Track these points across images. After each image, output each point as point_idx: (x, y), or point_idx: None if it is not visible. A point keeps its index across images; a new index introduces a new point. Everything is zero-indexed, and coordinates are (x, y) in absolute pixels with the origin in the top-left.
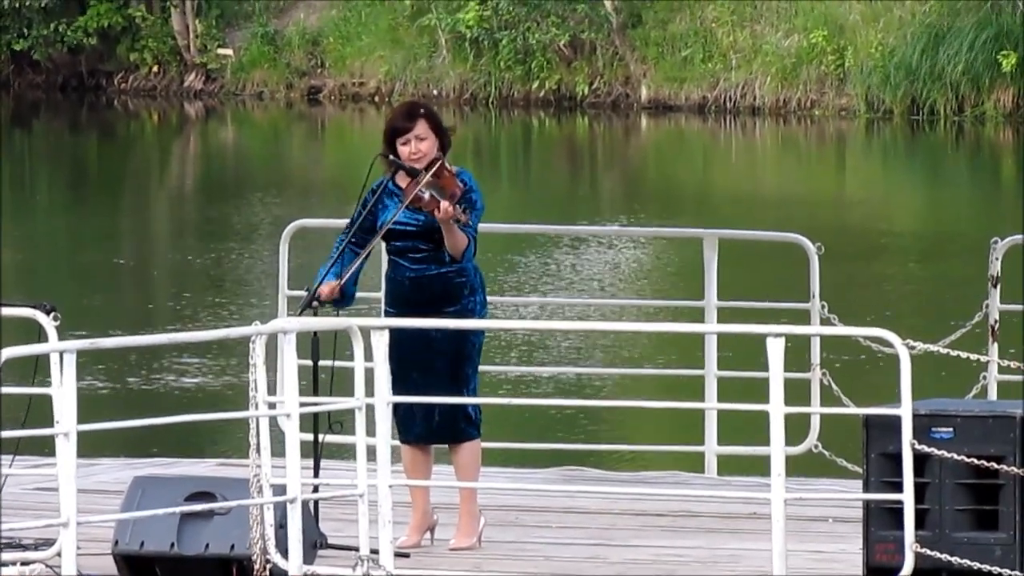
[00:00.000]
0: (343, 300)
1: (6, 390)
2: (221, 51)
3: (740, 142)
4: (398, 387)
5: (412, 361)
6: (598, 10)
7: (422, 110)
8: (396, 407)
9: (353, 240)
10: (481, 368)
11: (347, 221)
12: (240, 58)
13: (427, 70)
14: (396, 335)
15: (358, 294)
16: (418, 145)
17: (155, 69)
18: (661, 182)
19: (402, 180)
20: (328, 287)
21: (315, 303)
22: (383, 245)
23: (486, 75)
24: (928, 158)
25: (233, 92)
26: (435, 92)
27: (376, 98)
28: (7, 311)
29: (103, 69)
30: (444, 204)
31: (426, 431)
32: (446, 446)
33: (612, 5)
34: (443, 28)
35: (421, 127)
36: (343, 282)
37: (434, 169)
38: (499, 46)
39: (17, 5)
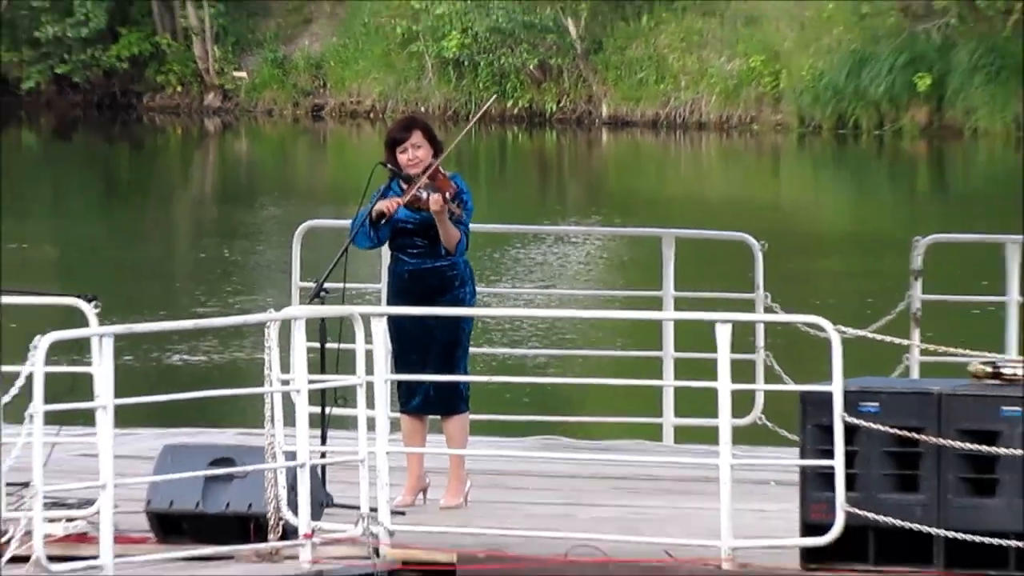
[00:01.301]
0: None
1: (52, 369)
2: (236, 74)
3: (688, 153)
4: (399, 366)
5: (411, 344)
6: (564, 38)
7: (417, 123)
8: (398, 383)
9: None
10: (471, 350)
11: (350, 221)
12: (253, 80)
13: (415, 90)
14: (397, 321)
15: (363, 285)
16: (415, 152)
17: (179, 89)
18: (619, 188)
19: (403, 185)
20: (392, 202)
21: (322, 293)
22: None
23: (467, 94)
24: (853, 167)
25: (246, 109)
26: (422, 109)
27: (371, 115)
28: (54, 300)
29: (134, 89)
30: (435, 196)
31: (422, 404)
32: (439, 417)
33: (577, 33)
34: (429, 54)
35: (416, 137)
36: (395, 209)
37: (429, 172)
38: (478, 69)
39: (59, 34)
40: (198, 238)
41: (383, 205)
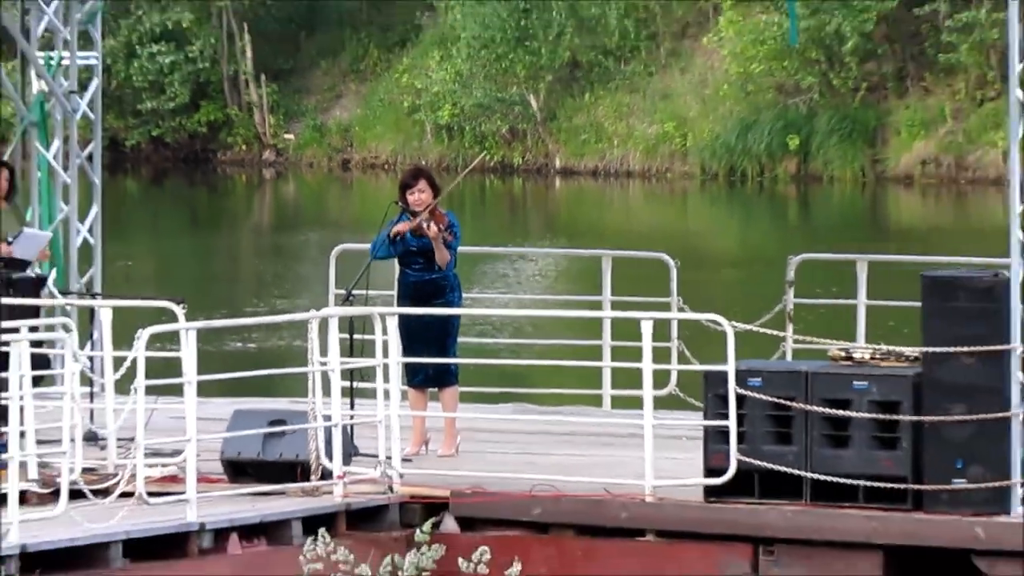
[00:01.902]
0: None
1: (151, 354)
2: (286, 136)
3: (619, 196)
4: (407, 352)
5: (414, 335)
6: (528, 110)
7: (422, 173)
8: (406, 364)
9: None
10: (459, 339)
11: (369, 245)
12: (298, 140)
13: (418, 148)
14: (404, 319)
15: (381, 292)
16: (419, 195)
17: (244, 148)
18: (568, 220)
19: (410, 218)
20: (405, 225)
21: (351, 298)
22: (395, 259)
23: (455, 151)
24: (740, 205)
25: (293, 163)
26: (423, 162)
27: (386, 166)
28: (153, 303)
29: (210, 148)
30: (434, 228)
31: (424, 380)
32: (436, 390)
33: (537, 106)
34: (428, 121)
35: (421, 184)
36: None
37: (429, 207)
38: (464, 133)
39: (155, 107)
40: (257, 256)
41: (399, 227)
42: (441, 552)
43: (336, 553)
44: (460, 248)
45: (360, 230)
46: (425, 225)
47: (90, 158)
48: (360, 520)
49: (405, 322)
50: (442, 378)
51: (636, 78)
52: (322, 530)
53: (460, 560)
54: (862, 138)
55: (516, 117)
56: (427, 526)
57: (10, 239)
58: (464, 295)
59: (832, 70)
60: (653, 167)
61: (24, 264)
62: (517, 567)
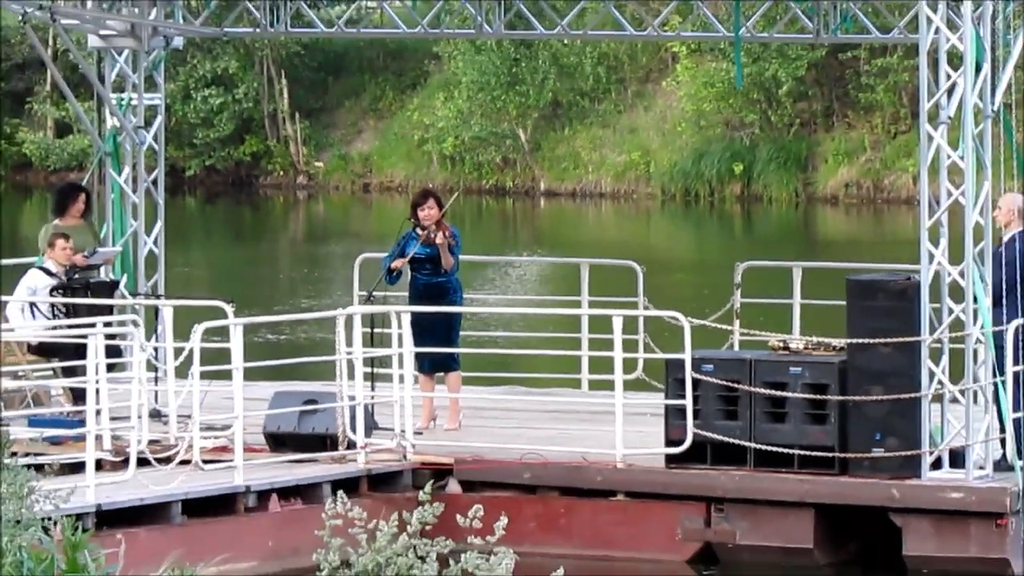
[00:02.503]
0: (397, 277)
1: (206, 344)
2: (316, 164)
3: (594, 213)
4: (417, 343)
5: (424, 329)
6: (517, 141)
7: (430, 193)
8: (417, 353)
9: (391, 256)
10: (462, 333)
11: (389, 251)
12: (326, 167)
13: (426, 174)
14: (416, 316)
15: (397, 293)
16: (428, 211)
17: (281, 174)
18: (552, 235)
19: (420, 230)
20: (399, 262)
21: (372, 297)
22: (407, 266)
23: (458, 176)
24: (694, 221)
25: (322, 186)
26: (430, 186)
27: (400, 190)
28: (205, 302)
29: (253, 173)
30: (440, 236)
31: (431, 366)
32: (443, 374)
33: (525, 139)
34: (435, 152)
35: (430, 202)
36: (401, 265)
37: (436, 220)
38: (465, 161)
39: (207, 139)
40: (292, 263)
41: (396, 264)
42: (441, 509)
43: (352, 511)
44: (461, 256)
45: (378, 242)
46: (433, 236)
47: (155, 182)
48: (379, 483)
49: (416, 318)
50: (447, 364)
51: (608, 115)
52: (340, 492)
53: (458, 516)
54: (796, 165)
55: (508, 148)
56: (428, 487)
57: (86, 254)
58: (465, 295)
59: (771, 108)
60: (622, 190)
61: (94, 268)
62: (504, 521)
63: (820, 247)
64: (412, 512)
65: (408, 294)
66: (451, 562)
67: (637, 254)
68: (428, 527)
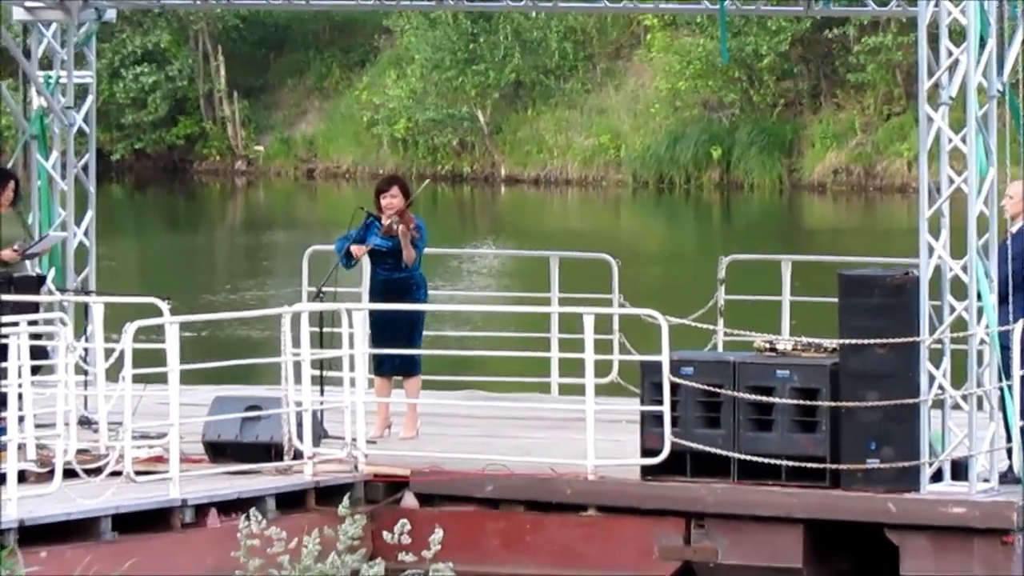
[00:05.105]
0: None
1: (139, 345)
2: (256, 148)
3: (559, 202)
4: (375, 343)
5: (382, 328)
6: (476, 124)
7: (396, 180)
8: (375, 354)
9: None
10: (424, 332)
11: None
12: (267, 151)
13: (376, 159)
14: (375, 315)
15: (348, 289)
16: (392, 200)
17: (217, 158)
18: (514, 225)
19: (384, 221)
20: (361, 248)
21: (320, 295)
22: (367, 258)
23: (410, 161)
24: (669, 210)
25: (263, 172)
26: (381, 171)
27: (347, 176)
28: (139, 299)
29: (187, 158)
30: (400, 227)
31: (390, 368)
32: (401, 378)
33: (484, 120)
34: (385, 134)
35: (394, 190)
36: (362, 253)
37: (399, 211)
38: (418, 144)
39: (137, 121)
40: (231, 255)
41: (355, 250)
42: (363, 522)
43: (270, 531)
44: (426, 249)
45: (325, 232)
46: (396, 227)
47: (85, 168)
48: (328, 496)
49: (375, 316)
50: (408, 368)
51: (574, 95)
52: (253, 510)
53: (385, 533)
54: (779, 149)
55: (465, 131)
56: (346, 501)
57: (16, 247)
58: (433, 292)
59: (752, 87)
60: (590, 176)
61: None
62: (439, 534)
63: (806, 239)
64: (360, 527)
65: (369, 289)
66: None
67: (607, 246)
68: (356, 542)
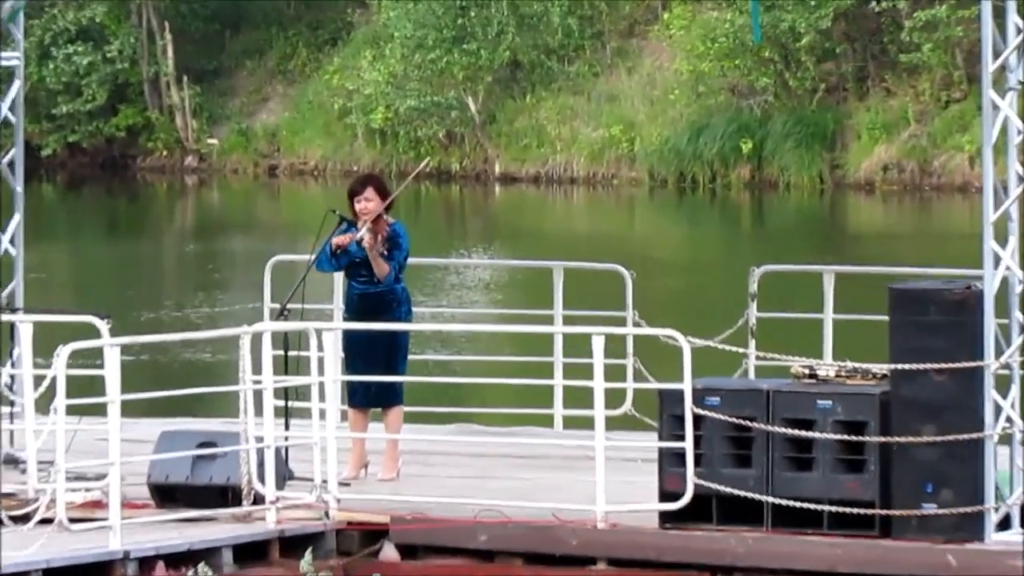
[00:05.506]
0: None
1: (73, 372)
2: (210, 141)
3: (563, 203)
4: (349, 369)
5: (357, 351)
6: (466, 112)
7: (372, 180)
8: (348, 382)
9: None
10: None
11: (313, 255)
12: (222, 145)
13: (349, 153)
14: (347, 333)
15: (317, 305)
16: (366, 204)
17: (165, 153)
18: (508, 229)
19: (360, 226)
20: (345, 237)
21: (285, 313)
22: (342, 271)
23: (389, 156)
24: (691, 213)
25: (217, 169)
26: (355, 168)
27: (315, 173)
28: (76, 318)
29: (130, 153)
30: (368, 238)
31: (366, 399)
32: (380, 410)
33: (475, 108)
34: (360, 125)
35: (369, 192)
36: (348, 241)
37: (373, 216)
38: (398, 137)
39: (71, 111)
40: (181, 266)
41: (338, 240)
42: None
43: None
44: (410, 259)
45: (289, 238)
46: (366, 236)
47: (11, 165)
48: (295, 548)
49: (347, 337)
50: (387, 398)
51: (580, 79)
52: (202, 564)
53: None
54: (820, 142)
55: (453, 121)
56: (308, 556)
57: None
58: (419, 309)
59: (788, 70)
60: (599, 173)
61: None
62: None
63: (851, 246)
64: None
65: (344, 305)
66: None
67: (619, 255)
68: None
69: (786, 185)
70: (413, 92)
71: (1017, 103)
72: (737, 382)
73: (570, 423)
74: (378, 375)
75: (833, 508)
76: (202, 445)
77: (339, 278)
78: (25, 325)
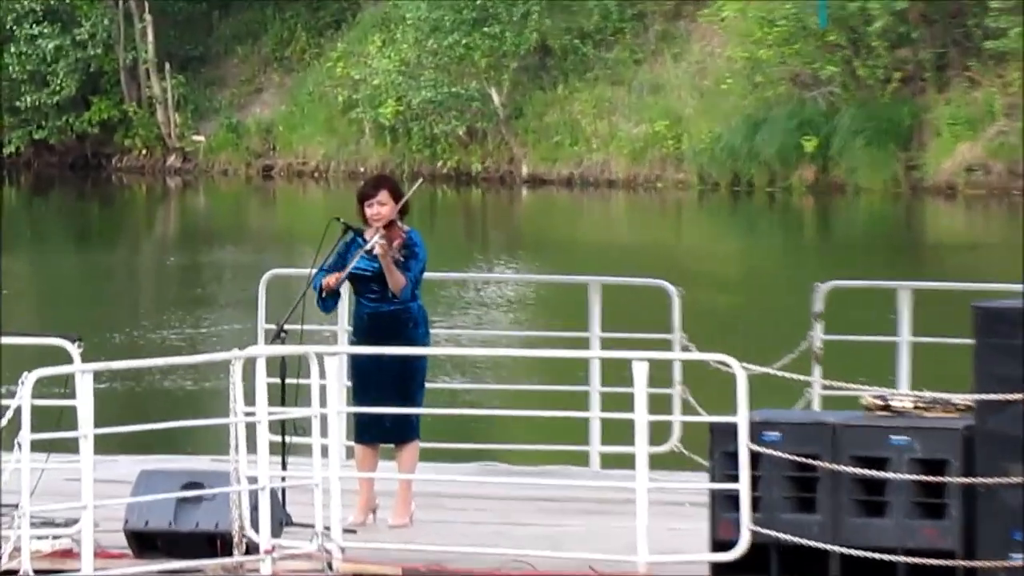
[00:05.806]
0: (334, 300)
1: (39, 402)
2: (195, 138)
3: (600, 208)
4: (358, 399)
5: (367, 379)
6: (488, 106)
7: (385, 182)
8: (355, 414)
9: (326, 271)
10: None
11: (315, 269)
12: (209, 143)
13: (355, 152)
14: (354, 359)
15: (320, 326)
16: (379, 208)
17: (144, 152)
18: (536, 238)
19: (368, 235)
20: (335, 277)
21: (282, 335)
22: (349, 287)
23: (401, 156)
24: (746, 220)
25: (204, 170)
26: (361, 169)
27: (316, 174)
28: (43, 340)
29: (104, 152)
30: (381, 244)
31: (379, 434)
32: (392, 445)
33: (499, 101)
34: (367, 120)
35: (383, 195)
36: (337, 282)
37: (388, 220)
38: (411, 134)
39: (37, 103)
40: (162, 282)
41: (328, 281)
42: None
43: None
44: (427, 273)
45: (286, 250)
46: (379, 242)
47: None
48: None
49: (355, 363)
50: (401, 432)
51: (620, 67)
52: None
53: None
54: (894, 140)
55: (474, 115)
56: None
57: None
58: (437, 331)
59: (857, 57)
60: (640, 175)
61: None
62: None
63: (931, 259)
64: None
65: (352, 326)
66: None
67: (664, 268)
68: None
69: (855, 189)
70: (428, 82)
71: None
72: (799, 415)
73: (608, 462)
74: (389, 406)
75: (909, 559)
76: (187, 486)
77: (346, 294)
78: None
